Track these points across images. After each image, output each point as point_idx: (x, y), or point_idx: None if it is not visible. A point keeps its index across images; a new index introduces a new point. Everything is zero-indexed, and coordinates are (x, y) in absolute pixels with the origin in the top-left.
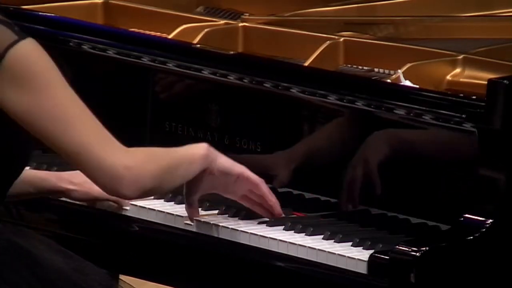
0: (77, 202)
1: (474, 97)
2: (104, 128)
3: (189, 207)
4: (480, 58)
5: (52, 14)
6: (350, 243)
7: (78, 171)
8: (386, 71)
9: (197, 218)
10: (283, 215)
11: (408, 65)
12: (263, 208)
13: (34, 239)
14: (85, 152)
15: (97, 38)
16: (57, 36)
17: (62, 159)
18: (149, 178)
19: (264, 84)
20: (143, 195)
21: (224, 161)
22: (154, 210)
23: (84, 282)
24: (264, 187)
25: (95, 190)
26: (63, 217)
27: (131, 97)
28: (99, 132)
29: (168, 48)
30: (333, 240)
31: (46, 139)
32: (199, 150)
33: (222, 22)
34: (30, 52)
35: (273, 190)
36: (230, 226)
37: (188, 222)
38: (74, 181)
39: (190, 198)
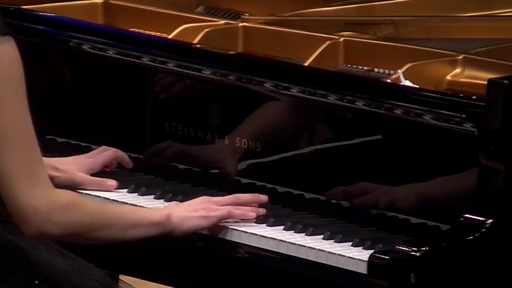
0: None
1: (474, 97)
2: (40, 163)
3: None
4: (480, 58)
5: (52, 14)
6: (350, 243)
7: (62, 158)
8: (386, 71)
9: None
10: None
11: (408, 65)
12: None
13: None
14: (7, 177)
15: (97, 38)
16: (57, 36)
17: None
18: (56, 227)
19: (264, 84)
20: (49, 238)
21: (190, 225)
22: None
23: (82, 282)
24: (236, 213)
25: (79, 177)
26: None
27: (131, 97)
28: (30, 166)
29: (168, 48)
30: (333, 240)
31: None
32: (152, 216)
33: (222, 22)
34: (6, 55)
35: (273, 190)
36: (230, 226)
37: None
38: (59, 167)
39: None
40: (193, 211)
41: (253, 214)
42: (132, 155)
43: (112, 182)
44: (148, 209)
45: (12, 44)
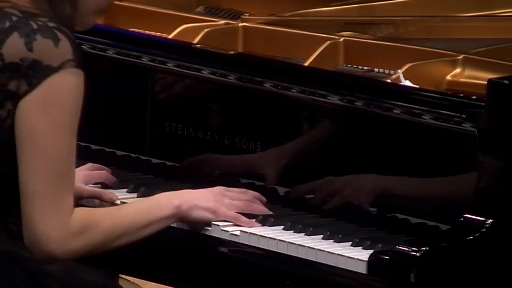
0: None
1: (474, 97)
2: (69, 193)
3: None
4: (480, 58)
5: None
6: (350, 243)
7: None
8: (386, 71)
9: None
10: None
11: (408, 65)
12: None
13: None
14: (32, 199)
15: (97, 38)
16: None
17: None
18: (66, 255)
19: (264, 84)
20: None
21: (197, 215)
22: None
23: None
24: (243, 220)
25: (86, 190)
26: None
27: (131, 97)
28: (58, 194)
29: (168, 48)
30: (332, 240)
31: (20, 164)
32: (164, 211)
33: (222, 22)
34: (72, 86)
35: (274, 191)
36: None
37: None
38: None
39: None
40: (205, 201)
41: (258, 225)
42: (132, 155)
43: (112, 196)
44: (158, 201)
45: (80, 77)
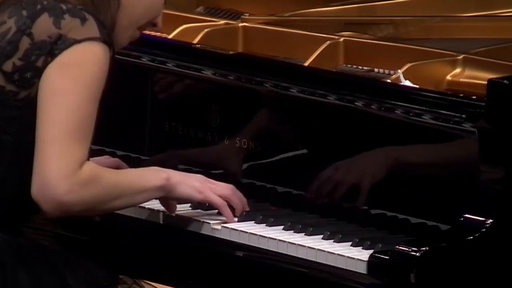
0: None
1: (474, 97)
2: (84, 146)
3: (167, 206)
4: (480, 58)
5: None
6: (350, 243)
7: None
8: (386, 71)
9: (196, 218)
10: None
11: (408, 65)
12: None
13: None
14: (50, 143)
15: None
16: None
17: None
18: (75, 202)
19: (264, 84)
20: (65, 212)
21: (183, 190)
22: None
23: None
24: (226, 211)
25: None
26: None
27: (131, 97)
28: (74, 143)
29: (168, 48)
30: (332, 240)
31: (40, 115)
32: (155, 181)
33: (222, 22)
34: (97, 56)
35: (272, 190)
36: (230, 226)
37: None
38: None
39: (165, 201)
40: (193, 181)
41: (234, 220)
42: (132, 155)
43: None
44: (149, 172)
45: (105, 51)
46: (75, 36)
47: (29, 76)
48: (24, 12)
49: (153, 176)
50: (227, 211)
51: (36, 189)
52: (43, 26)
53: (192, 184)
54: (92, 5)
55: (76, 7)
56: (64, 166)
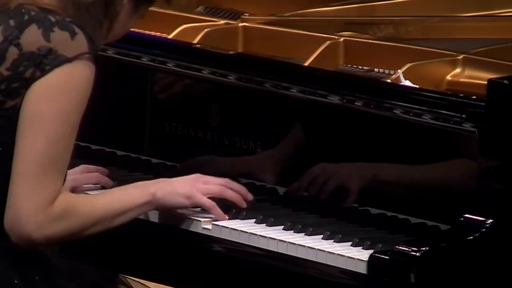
0: None
1: (474, 97)
2: (58, 181)
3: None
4: (480, 58)
5: None
6: (350, 243)
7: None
8: (386, 71)
9: (196, 219)
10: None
11: (408, 65)
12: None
13: None
14: (23, 178)
15: None
16: None
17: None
18: (44, 238)
19: (264, 84)
20: (35, 246)
21: (170, 200)
22: None
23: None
24: (217, 211)
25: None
26: None
27: (131, 97)
28: (47, 179)
29: (168, 48)
30: (332, 240)
31: (18, 141)
32: (138, 199)
33: (222, 22)
34: (85, 76)
35: (273, 190)
36: (230, 226)
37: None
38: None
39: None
40: (180, 187)
41: (226, 218)
42: (132, 155)
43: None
44: (134, 189)
45: (91, 72)
46: (65, 54)
47: (17, 86)
48: (12, 22)
49: (137, 193)
50: (216, 211)
51: (7, 222)
52: (32, 38)
53: (179, 191)
54: (80, 17)
55: (65, 19)
56: (34, 203)
